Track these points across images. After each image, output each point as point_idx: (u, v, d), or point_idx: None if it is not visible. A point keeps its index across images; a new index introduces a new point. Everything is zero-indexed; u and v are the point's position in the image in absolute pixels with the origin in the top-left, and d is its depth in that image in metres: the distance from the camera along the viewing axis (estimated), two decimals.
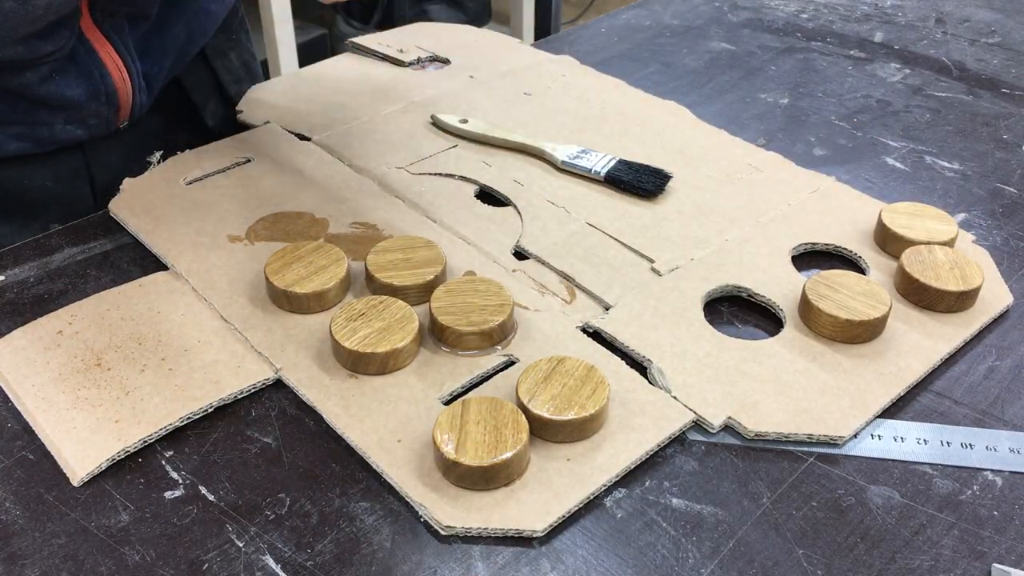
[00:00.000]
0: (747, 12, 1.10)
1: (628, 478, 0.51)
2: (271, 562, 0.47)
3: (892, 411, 0.56)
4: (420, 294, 0.61)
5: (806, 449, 0.53)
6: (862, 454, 0.53)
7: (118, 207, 0.70)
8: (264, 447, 0.53)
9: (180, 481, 0.51)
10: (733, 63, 0.98)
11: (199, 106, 0.86)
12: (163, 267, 0.65)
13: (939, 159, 0.81)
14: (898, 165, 0.80)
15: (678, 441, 0.54)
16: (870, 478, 0.52)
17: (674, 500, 0.50)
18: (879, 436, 0.54)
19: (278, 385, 0.57)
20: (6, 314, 0.62)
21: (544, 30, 2.30)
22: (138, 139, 0.80)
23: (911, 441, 0.54)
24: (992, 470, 0.53)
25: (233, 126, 0.84)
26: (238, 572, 0.47)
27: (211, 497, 0.50)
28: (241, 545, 0.48)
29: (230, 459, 0.52)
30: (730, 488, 0.51)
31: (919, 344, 0.59)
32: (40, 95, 0.70)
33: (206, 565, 0.47)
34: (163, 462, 0.52)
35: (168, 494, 0.50)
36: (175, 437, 0.53)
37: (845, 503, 0.51)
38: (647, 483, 0.51)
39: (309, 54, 1.99)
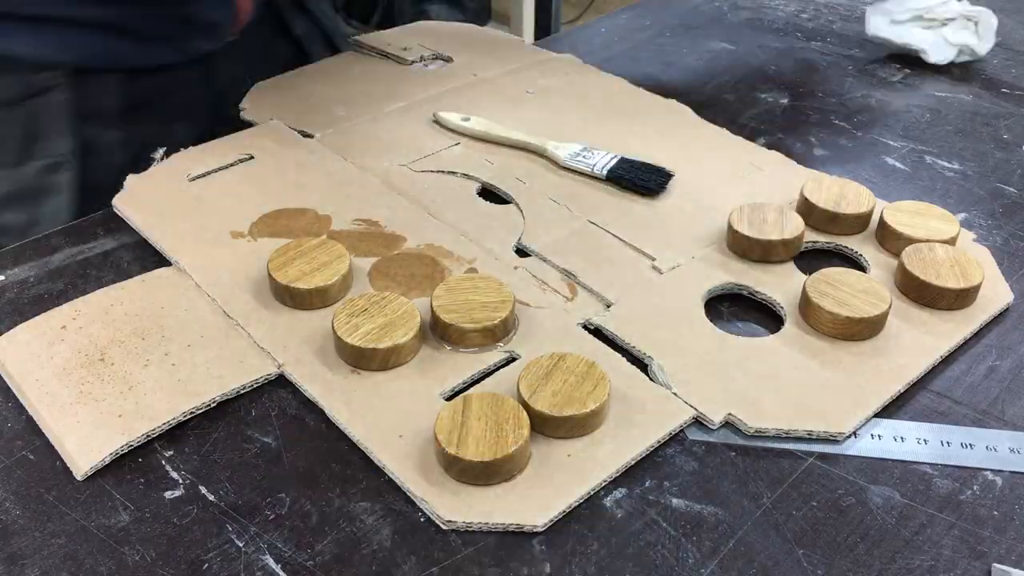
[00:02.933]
0: (747, 12, 1.10)
1: (628, 478, 0.52)
2: (271, 562, 0.47)
3: (892, 410, 0.56)
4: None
5: (806, 449, 0.53)
6: (862, 454, 0.53)
7: (122, 203, 0.70)
8: (264, 447, 0.53)
9: (180, 481, 0.51)
10: (733, 63, 0.98)
11: (287, 21, 0.97)
12: (163, 265, 0.65)
13: (939, 159, 0.81)
14: (898, 165, 0.80)
15: (678, 441, 0.54)
16: (870, 478, 0.52)
17: (674, 500, 0.51)
18: (879, 436, 0.54)
19: (278, 384, 0.57)
20: (6, 314, 0.62)
21: (544, 30, 2.29)
22: (242, 57, 0.90)
23: (911, 441, 0.54)
24: (992, 470, 0.53)
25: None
26: (238, 572, 0.47)
27: (211, 497, 0.50)
28: (241, 545, 0.48)
29: (230, 459, 0.52)
30: (730, 488, 0.51)
31: (919, 341, 0.60)
32: (198, 18, 0.83)
33: (206, 565, 0.47)
34: (163, 462, 0.52)
35: (168, 494, 0.50)
36: (175, 437, 0.53)
37: (845, 503, 0.51)
38: (647, 483, 0.51)
39: None
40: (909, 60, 0.98)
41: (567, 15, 2.84)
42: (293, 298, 0.61)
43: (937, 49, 0.96)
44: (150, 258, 0.66)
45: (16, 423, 0.54)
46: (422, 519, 0.49)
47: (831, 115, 0.88)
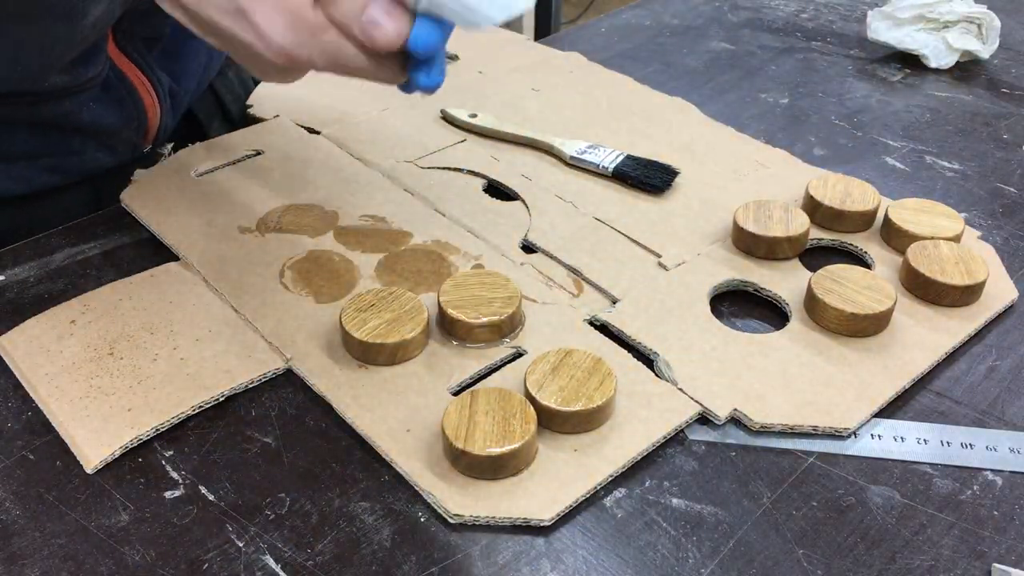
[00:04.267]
0: (747, 12, 1.11)
1: (628, 478, 0.52)
2: (271, 562, 0.47)
3: (892, 410, 0.56)
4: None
5: (806, 448, 0.54)
6: (862, 454, 0.54)
7: (130, 198, 0.70)
8: (264, 447, 0.53)
9: (180, 481, 0.51)
10: (733, 63, 0.99)
11: (205, 126, 0.86)
12: (163, 264, 0.65)
13: (939, 159, 0.82)
14: (898, 165, 0.81)
15: (678, 441, 0.54)
16: (870, 478, 0.52)
17: (674, 500, 0.51)
18: (879, 436, 0.55)
19: (279, 384, 0.57)
20: (6, 314, 0.61)
21: (544, 30, 2.30)
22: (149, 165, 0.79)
23: (911, 441, 0.54)
24: (992, 470, 0.53)
25: None
26: (238, 572, 0.47)
27: (211, 497, 0.50)
28: (241, 545, 0.48)
29: (230, 459, 0.52)
30: (730, 488, 0.51)
31: (924, 338, 0.60)
32: (77, 124, 0.71)
33: (206, 565, 0.47)
34: (163, 462, 0.52)
35: (168, 494, 0.50)
36: (175, 437, 0.53)
37: (845, 503, 0.51)
38: (647, 483, 0.52)
39: None
40: (909, 60, 0.98)
41: (567, 15, 2.85)
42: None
43: (938, 55, 0.96)
44: (150, 257, 0.66)
45: (16, 423, 0.54)
46: (422, 518, 0.49)
47: (831, 115, 0.89)
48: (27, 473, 0.52)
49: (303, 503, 0.50)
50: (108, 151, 0.75)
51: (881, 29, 0.98)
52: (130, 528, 0.49)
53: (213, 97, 0.88)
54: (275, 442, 0.53)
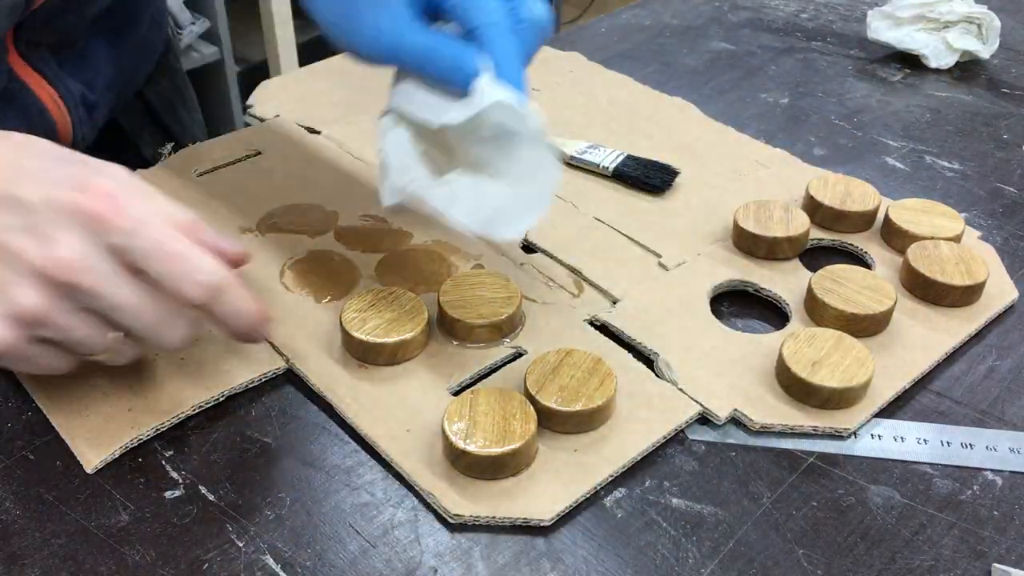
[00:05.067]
0: (747, 12, 1.11)
1: (628, 478, 0.52)
2: (271, 562, 0.47)
3: (892, 410, 0.56)
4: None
5: (807, 449, 0.54)
6: (862, 454, 0.53)
7: None
8: (264, 447, 0.53)
9: (180, 481, 0.51)
10: (733, 63, 0.99)
11: (132, 136, 0.84)
12: None
13: (939, 159, 0.82)
14: (898, 165, 0.81)
15: (678, 441, 0.54)
16: (870, 478, 0.52)
17: (674, 500, 0.51)
18: (879, 436, 0.54)
19: (279, 384, 0.57)
20: None
21: None
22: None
23: (911, 441, 0.54)
24: (992, 470, 0.53)
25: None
26: (238, 572, 0.47)
27: (211, 497, 0.50)
28: (241, 545, 0.48)
29: (230, 459, 0.52)
30: (730, 488, 0.51)
31: (925, 338, 0.60)
32: None
33: (206, 565, 0.47)
34: (163, 462, 0.52)
35: (168, 494, 0.50)
36: (175, 437, 0.53)
37: (845, 503, 0.51)
38: (647, 483, 0.52)
39: (309, 54, 1.99)
40: (909, 60, 0.98)
41: (568, 14, 2.85)
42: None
43: (938, 55, 0.96)
44: None
45: (16, 423, 0.54)
46: (422, 518, 0.49)
47: (831, 115, 0.89)
48: (27, 473, 0.51)
49: (303, 503, 0.50)
50: None
51: (881, 29, 0.98)
52: (130, 528, 0.49)
53: (142, 106, 0.86)
54: (275, 442, 0.53)
